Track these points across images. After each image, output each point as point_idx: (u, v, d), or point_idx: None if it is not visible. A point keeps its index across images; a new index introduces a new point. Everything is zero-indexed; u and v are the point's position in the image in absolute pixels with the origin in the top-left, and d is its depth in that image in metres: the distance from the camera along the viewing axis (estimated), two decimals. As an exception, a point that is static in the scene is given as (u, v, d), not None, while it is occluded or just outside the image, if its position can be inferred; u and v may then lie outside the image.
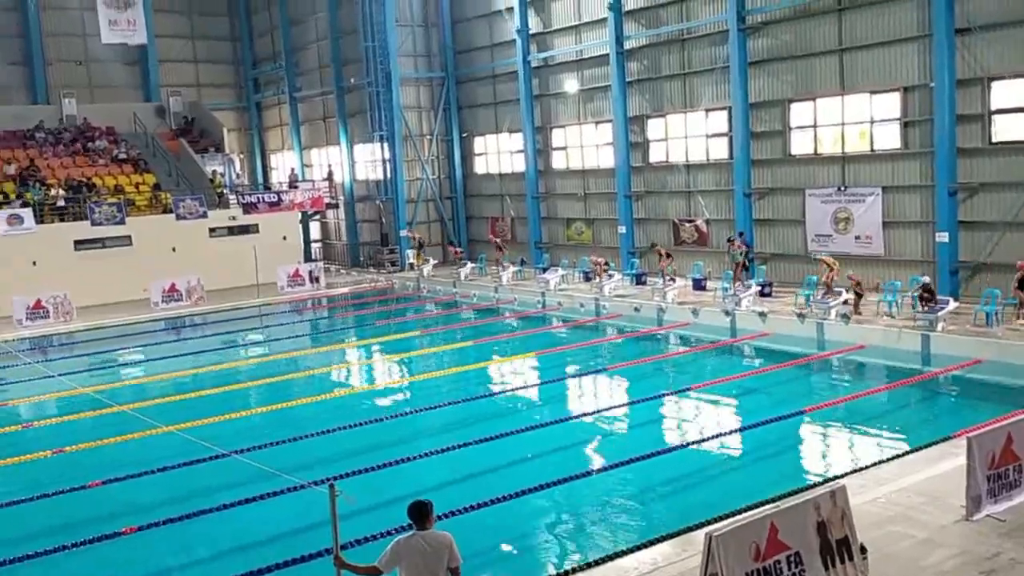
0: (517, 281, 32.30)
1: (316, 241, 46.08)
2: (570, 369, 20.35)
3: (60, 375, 21.45)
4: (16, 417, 18.93)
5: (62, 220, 33.38)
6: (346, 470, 13.16)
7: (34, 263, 31.65)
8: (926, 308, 20.08)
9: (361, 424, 16.49)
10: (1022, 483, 10.39)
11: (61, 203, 33.90)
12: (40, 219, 32.68)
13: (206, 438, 14.87)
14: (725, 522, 8.75)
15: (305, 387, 20.14)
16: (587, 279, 30.10)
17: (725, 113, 28.39)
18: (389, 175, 38.55)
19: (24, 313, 29.29)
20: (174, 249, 34.20)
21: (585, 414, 16.78)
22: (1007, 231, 21.89)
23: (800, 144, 26.58)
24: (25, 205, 32.81)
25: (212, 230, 35.72)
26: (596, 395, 18.32)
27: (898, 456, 12.73)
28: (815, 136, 26.13)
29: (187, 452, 14.44)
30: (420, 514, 7.39)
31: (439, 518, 11.24)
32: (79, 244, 32.98)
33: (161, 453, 14.94)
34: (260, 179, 48.91)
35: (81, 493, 13.53)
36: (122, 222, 33.60)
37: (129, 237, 33.71)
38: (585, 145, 34.23)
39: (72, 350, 26.61)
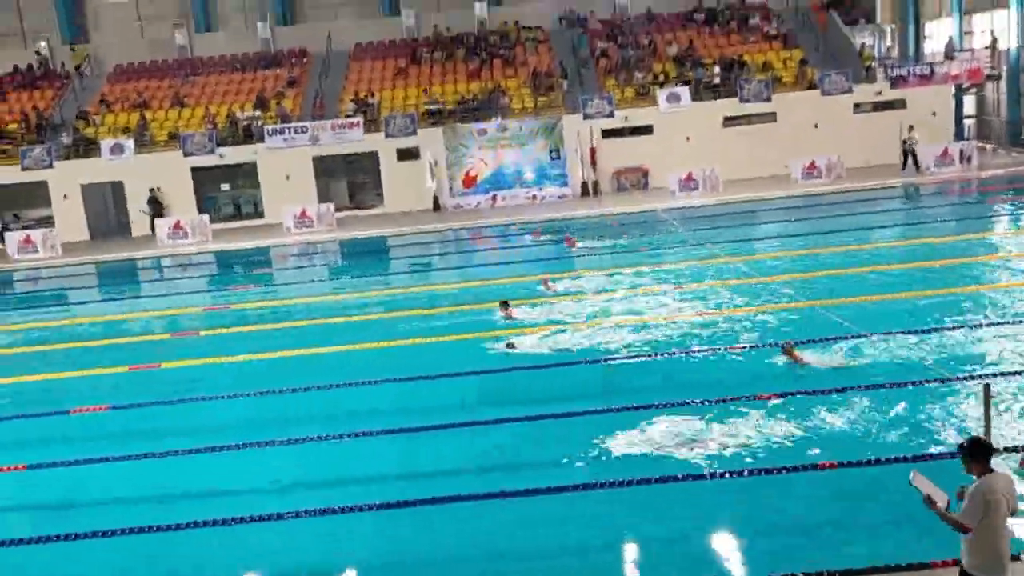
0: None
1: (969, 117, 42.06)
2: None
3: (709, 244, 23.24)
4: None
5: (715, 98, 35.43)
6: None
7: (687, 139, 34.39)
8: None
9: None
10: None
11: (716, 81, 35.95)
12: (696, 96, 35.12)
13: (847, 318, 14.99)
14: None
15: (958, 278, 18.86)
16: None
17: None
18: (1068, 40, 33.23)
19: (678, 185, 32.23)
20: (816, 126, 34.23)
21: None
22: None
23: None
24: (685, 84, 35.50)
25: (856, 106, 34.85)
26: None
27: None
28: None
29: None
30: (986, 454, 6.29)
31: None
32: (727, 120, 34.87)
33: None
34: (912, 50, 45.87)
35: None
36: (768, 99, 34.56)
37: (774, 114, 34.59)
38: None
39: (716, 221, 28.29)
